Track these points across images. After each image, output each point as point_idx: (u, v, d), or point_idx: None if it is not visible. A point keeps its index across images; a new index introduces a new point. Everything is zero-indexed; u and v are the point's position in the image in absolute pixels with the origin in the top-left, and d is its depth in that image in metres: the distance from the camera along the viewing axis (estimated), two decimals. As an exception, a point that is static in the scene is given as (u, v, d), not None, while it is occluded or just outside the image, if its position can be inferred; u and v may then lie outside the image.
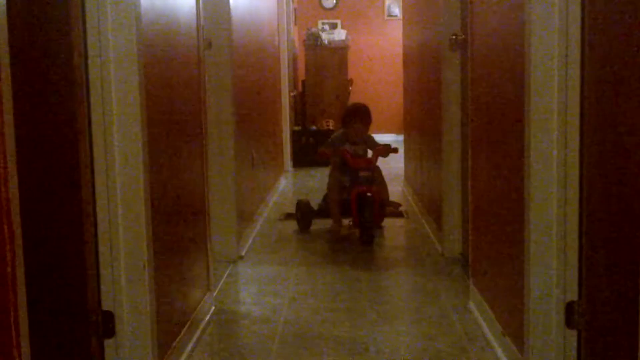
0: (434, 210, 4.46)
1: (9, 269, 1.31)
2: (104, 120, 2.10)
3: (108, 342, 2.19)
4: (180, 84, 2.76)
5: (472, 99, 3.18)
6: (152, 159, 2.25)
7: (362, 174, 4.47)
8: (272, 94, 6.33)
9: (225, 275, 3.69)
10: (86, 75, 2.08)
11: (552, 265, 2.15)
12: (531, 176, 2.16)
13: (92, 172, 2.12)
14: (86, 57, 2.07)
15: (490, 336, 2.72)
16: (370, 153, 4.72)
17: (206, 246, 3.10)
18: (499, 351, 2.57)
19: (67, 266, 2.11)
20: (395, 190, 5.84)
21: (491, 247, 2.86)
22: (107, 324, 2.17)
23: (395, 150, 4.73)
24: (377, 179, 4.62)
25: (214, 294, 3.23)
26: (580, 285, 2.15)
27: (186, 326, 2.68)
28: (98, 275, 2.15)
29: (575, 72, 2.09)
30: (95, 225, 2.13)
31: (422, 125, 5.21)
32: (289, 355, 2.66)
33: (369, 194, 4.35)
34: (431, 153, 4.61)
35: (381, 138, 10.65)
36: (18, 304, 1.32)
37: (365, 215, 4.29)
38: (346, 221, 4.61)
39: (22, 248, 1.34)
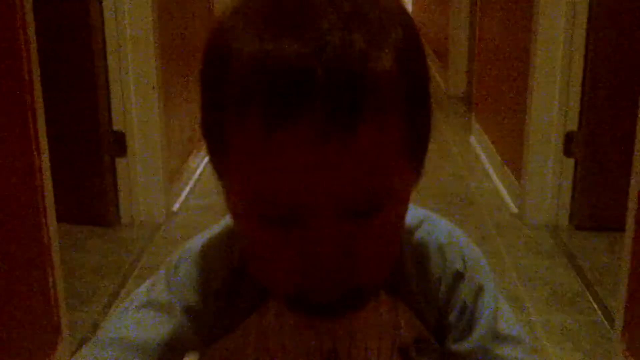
0: (439, 49, 4.44)
1: (25, 75, 1.33)
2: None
3: (120, 161, 2.25)
4: None
5: None
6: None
7: None
8: None
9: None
10: None
11: (554, 96, 2.18)
12: (539, 10, 2.14)
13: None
14: None
15: (489, 167, 2.79)
16: None
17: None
18: (497, 180, 2.65)
19: (78, 85, 2.14)
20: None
21: (495, 82, 2.88)
22: (118, 143, 2.23)
23: None
24: None
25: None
26: (580, 115, 2.19)
27: (193, 154, 2.75)
28: (108, 95, 2.18)
29: None
30: (104, 44, 2.13)
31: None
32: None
33: None
34: (439, -9, 4.53)
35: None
36: (35, 107, 1.36)
37: None
38: None
39: (37, 54, 1.36)
